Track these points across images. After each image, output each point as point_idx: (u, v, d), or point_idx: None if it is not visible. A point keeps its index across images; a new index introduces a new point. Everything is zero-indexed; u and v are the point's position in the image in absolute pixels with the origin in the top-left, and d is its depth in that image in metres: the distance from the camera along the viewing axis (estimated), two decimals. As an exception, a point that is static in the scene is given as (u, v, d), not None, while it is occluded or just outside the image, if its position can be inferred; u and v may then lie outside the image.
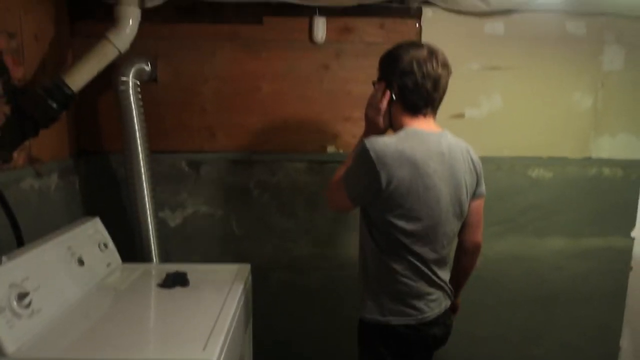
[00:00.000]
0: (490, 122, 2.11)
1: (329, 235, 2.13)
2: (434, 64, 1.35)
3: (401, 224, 1.33)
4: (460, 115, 2.10)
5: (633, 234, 1.00)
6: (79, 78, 1.65)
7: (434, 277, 1.41)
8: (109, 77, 1.79)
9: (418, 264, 1.37)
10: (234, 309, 1.37)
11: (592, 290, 2.27)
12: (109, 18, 1.70)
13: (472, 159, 1.47)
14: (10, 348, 1.12)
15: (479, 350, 2.27)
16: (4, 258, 1.24)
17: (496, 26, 2.05)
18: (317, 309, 2.18)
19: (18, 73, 1.58)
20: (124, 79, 1.79)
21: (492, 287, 2.23)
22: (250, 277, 1.70)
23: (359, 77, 2.03)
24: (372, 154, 1.29)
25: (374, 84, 1.49)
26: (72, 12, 1.92)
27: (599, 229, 2.24)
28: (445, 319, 1.49)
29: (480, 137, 2.12)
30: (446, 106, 1.76)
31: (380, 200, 1.32)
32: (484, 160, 2.11)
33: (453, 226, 1.43)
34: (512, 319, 2.27)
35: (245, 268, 1.69)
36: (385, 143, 1.31)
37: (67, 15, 1.91)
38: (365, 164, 1.30)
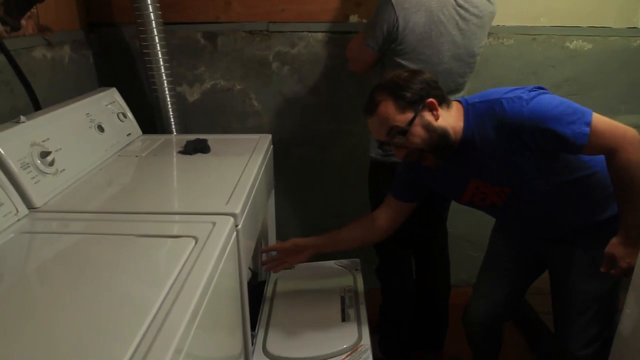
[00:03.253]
0: (528, -14, 1.93)
1: (350, 110, 2.06)
2: None
3: (409, 65, 1.49)
4: (496, -22, 1.91)
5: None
6: None
7: None
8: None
9: None
10: (256, 172, 1.36)
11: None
12: None
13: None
14: (38, 202, 1.12)
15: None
16: (22, 117, 1.22)
17: None
18: (337, 183, 2.19)
19: None
20: (131, -60, 1.64)
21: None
22: (271, 147, 1.67)
23: None
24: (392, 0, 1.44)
25: None
26: None
27: (636, 106, 2.11)
28: None
29: (515, 3, 1.95)
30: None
31: (395, 44, 1.48)
32: (519, 29, 1.98)
33: (460, 72, 1.57)
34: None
35: (267, 137, 1.66)
36: None
37: None
38: (385, 10, 1.45)
